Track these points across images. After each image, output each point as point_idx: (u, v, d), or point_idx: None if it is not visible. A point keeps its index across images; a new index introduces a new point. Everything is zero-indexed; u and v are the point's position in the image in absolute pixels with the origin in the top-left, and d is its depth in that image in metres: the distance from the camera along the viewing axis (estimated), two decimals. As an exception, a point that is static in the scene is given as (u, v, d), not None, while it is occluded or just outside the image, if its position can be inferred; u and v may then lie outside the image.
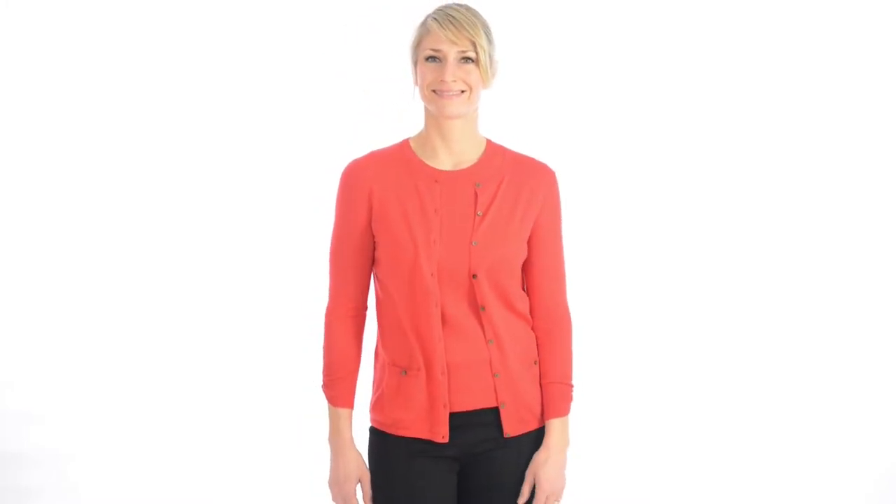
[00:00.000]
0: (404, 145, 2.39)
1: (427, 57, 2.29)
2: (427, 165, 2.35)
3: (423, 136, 2.38)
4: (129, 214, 4.15)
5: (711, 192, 4.27)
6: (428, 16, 2.33)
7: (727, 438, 4.23)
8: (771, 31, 4.25)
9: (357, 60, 4.19)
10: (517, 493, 2.35)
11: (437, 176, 2.35)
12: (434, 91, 2.29)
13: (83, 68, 4.12)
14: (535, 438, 2.37)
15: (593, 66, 4.23)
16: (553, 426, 2.38)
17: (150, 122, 4.15)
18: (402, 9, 4.17)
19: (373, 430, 2.39)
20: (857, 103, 4.26)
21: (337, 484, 2.37)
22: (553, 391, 2.40)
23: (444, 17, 2.29)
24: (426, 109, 2.35)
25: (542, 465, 2.35)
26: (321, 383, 2.37)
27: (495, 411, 2.32)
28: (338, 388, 2.34)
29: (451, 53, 2.27)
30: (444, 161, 2.36)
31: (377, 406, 2.37)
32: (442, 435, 2.29)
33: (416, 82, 2.34)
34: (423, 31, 2.31)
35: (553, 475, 2.35)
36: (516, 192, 2.38)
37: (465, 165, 2.37)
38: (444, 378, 2.28)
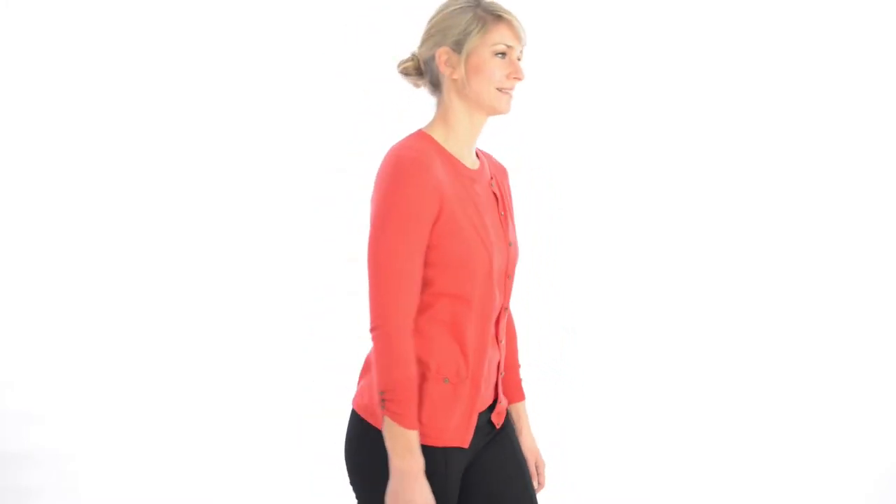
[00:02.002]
0: (433, 141, 2.23)
1: (498, 52, 2.19)
2: (463, 165, 2.24)
3: (450, 133, 2.25)
4: (130, 214, 4.15)
5: (711, 192, 4.28)
6: (481, 7, 2.20)
7: (727, 438, 4.23)
8: (771, 31, 4.26)
9: (357, 60, 4.19)
10: (522, 476, 2.33)
11: (473, 175, 2.26)
12: (499, 88, 2.21)
13: (83, 68, 4.13)
14: (508, 423, 2.39)
15: (590, 67, 4.23)
16: (523, 407, 2.42)
17: (151, 122, 4.15)
18: (402, 9, 4.18)
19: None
20: (860, 104, 4.26)
21: None
22: (517, 376, 2.44)
23: (509, 13, 2.20)
24: (460, 104, 2.23)
25: (533, 447, 2.40)
26: (380, 402, 2.12)
27: (491, 407, 2.32)
28: (407, 407, 2.10)
29: (517, 50, 2.22)
30: (467, 160, 2.27)
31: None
32: (469, 440, 2.24)
33: (456, 75, 2.20)
34: (490, 23, 2.19)
35: (538, 451, 2.42)
36: (505, 190, 2.38)
37: (476, 165, 2.30)
38: (481, 383, 2.23)
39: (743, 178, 4.28)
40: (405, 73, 2.29)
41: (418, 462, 2.09)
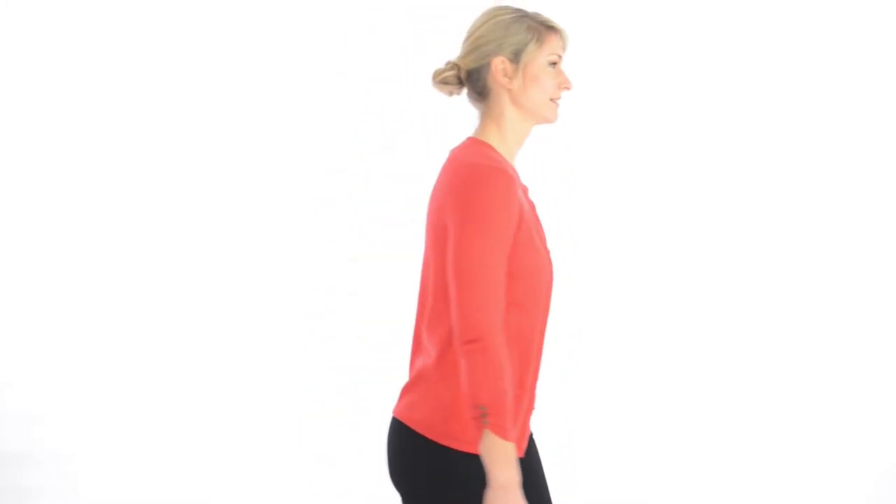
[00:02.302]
0: (495, 150, 2.22)
1: (551, 62, 2.21)
2: (517, 173, 2.25)
3: (503, 141, 2.23)
4: (130, 214, 4.15)
5: (711, 192, 4.28)
6: (531, 18, 2.22)
7: (727, 438, 4.23)
8: (772, 31, 4.26)
9: (357, 60, 4.19)
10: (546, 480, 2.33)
11: (523, 186, 2.26)
12: (551, 98, 2.22)
13: (83, 68, 4.12)
14: None
15: (600, 69, 4.24)
16: None
17: (151, 122, 4.15)
18: (402, 9, 4.18)
19: (476, 457, 2.11)
20: (874, 106, 4.27)
21: None
22: None
23: (559, 24, 2.22)
24: (514, 113, 2.22)
25: None
26: (478, 417, 2.02)
27: None
28: (507, 419, 2.02)
29: (562, 60, 2.25)
30: (516, 168, 2.27)
31: (470, 425, 2.11)
32: (524, 450, 2.22)
33: (513, 84, 2.20)
34: (545, 34, 2.20)
35: None
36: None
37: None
38: (535, 392, 2.21)
39: (753, 182, 4.28)
40: (445, 81, 2.28)
41: (518, 474, 2.04)
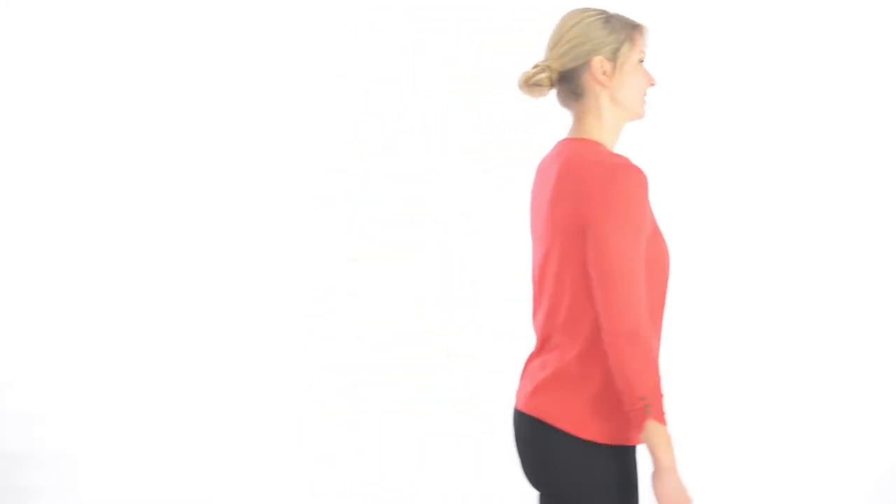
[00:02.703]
0: (604, 147, 2.28)
1: (641, 59, 2.28)
2: None
3: (607, 139, 2.29)
4: (130, 215, 4.15)
5: (710, 192, 4.28)
6: (619, 18, 2.28)
7: (727, 438, 4.23)
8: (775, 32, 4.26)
9: (357, 60, 4.19)
10: None
11: None
12: (643, 96, 2.29)
13: (83, 69, 4.12)
14: None
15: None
16: None
17: (151, 122, 4.15)
18: (402, 9, 4.18)
19: (619, 449, 2.22)
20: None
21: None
22: None
23: (642, 21, 2.30)
24: (614, 111, 2.28)
25: None
26: (641, 409, 2.09)
27: None
28: (664, 406, 2.11)
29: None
30: None
31: (616, 417, 2.18)
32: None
33: (612, 83, 2.26)
34: (635, 32, 2.27)
35: None
36: None
37: None
38: None
39: (753, 182, 4.28)
40: (537, 84, 2.33)
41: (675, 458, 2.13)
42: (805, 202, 4.28)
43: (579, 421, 2.17)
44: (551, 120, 4.23)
